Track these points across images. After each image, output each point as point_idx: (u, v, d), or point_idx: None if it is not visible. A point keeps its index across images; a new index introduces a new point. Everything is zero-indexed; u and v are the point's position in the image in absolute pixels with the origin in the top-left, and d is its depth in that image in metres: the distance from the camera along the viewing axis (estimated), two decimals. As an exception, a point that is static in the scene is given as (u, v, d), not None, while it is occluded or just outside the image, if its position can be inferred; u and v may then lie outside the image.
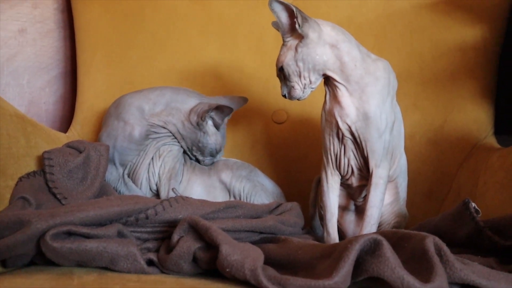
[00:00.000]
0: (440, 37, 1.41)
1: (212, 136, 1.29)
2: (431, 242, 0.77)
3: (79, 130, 1.51)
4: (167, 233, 0.90)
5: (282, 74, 1.10)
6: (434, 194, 1.38)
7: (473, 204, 0.92)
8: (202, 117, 1.26)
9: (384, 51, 1.44)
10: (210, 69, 1.52)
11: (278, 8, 1.05)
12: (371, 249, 0.76)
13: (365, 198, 1.13)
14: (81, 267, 0.84)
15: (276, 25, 1.11)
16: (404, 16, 1.44)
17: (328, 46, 1.06)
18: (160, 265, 0.85)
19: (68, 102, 1.65)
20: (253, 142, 1.49)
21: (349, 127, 1.08)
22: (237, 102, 1.35)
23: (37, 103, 1.56)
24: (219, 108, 1.27)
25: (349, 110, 1.07)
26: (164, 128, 1.28)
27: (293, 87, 1.09)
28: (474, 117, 1.39)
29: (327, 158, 1.13)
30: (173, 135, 1.30)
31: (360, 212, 1.19)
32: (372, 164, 1.09)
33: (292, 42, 1.07)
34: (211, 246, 0.81)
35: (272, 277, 0.74)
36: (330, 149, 1.12)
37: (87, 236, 0.83)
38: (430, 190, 1.39)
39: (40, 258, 0.84)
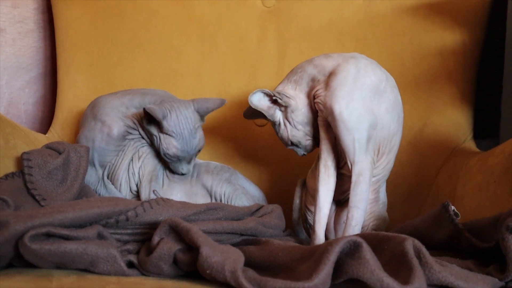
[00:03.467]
0: (420, 41, 1.42)
1: (162, 139, 1.24)
2: (410, 244, 0.78)
3: (59, 131, 1.50)
4: (148, 235, 0.90)
5: (294, 144, 1.21)
6: (413, 196, 1.40)
7: (452, 207, 0.93)
8: (143, 121, 1.24)
9: (365, 55, 1.44)
10: (191, 70, 1.52)
11: (259, 96, 1.18)
12: (351, 251, 0.76)
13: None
14: (60, 269, 0.83)
15: (248, 113, 1.26)
16: (384, 20, 1.45)
17: (302, 95, 1.17)
18: (140, 267, 0.84)
19: (48, 103, 1.64)
20: (234, 145, 1.49)
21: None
22: (212, 103, 1.28)
23: (17, 104, 1.55)
24: (146, 114, 1.21)
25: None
26: (136, 129, 1.27)
27: (307, 143, 1.20)
28: (454, 121, 1.41)
29: (321, 149, 1.15)
30: (142, 137, 1.28)
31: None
32: (349, 159, 1.10)
33: (279, 117, 1.20)
34: (191, 248, 0.81)
35: (252, 279, 0.74)
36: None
37: (67, 238, 0.82)
38: (410, 193, 1.40)
39: (18, 260, 0.83)
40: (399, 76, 1.41)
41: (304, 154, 1.23)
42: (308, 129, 1.18)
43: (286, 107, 1.17)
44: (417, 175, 1.40)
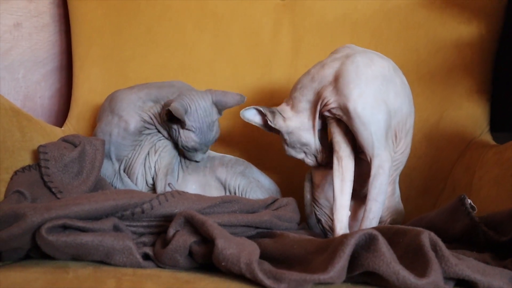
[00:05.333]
0: (436, 34, 1.41)
1: (182, 133, 1.25)
2: (427, 237, 0.77)
3: (74, 125, 1.51)
4: (163, 227, 0.90)
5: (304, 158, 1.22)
6: (429, 190, 1.39)
7: (469, 200, 0.92)
8: (162, 116, 1.24)
9: (380, 48, 1.43)
10: (204, 64, 1.52)
11: (253, 112, 1.20)
12: (367, 244, 0.76)
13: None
14: (77, 260, 0.84)
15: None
16: (399, 12, 1.44)
17: (302, 113, 1.16)
18: (155, 259, 0.85)
19: (63, 97, 1.65)
20: (248, 138, 1.49)
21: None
22: (231, 98, 1.27)
23: (33, 97, 1.56)
24: (168, 111, 1.21)
25: None
26: (152, 124, 1.27)
27: (308, 160, 1.20)
28: (470, 114, 1.39)
29: (333, 143, 1.15)
30: (159, 131, 1.29)
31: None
32: (368, 153, 1.09)
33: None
34: (206, 240, 0.82)
35: (268, 271, 0.74)
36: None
37: (83, 230, 0.83)
38: (426, 186, 1.39)
39: (35, 252, 0.84)
40: (414, 69, 1.41)
41: (319, 164, 1.22)
42: (306, 148, 1.19)
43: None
44: (433, 168, 1.39)
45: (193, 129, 1.23)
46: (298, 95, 1.16)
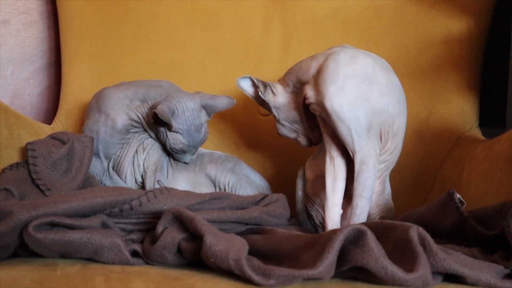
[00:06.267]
0: (425, 29, 1.42)
1: (169, 135, 1.24)
2: (415, 232, 0.77)
3: (63, 122, 1.50)
4: (152, 224, 0.90)
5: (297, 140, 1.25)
6: (419, 185, 1.39)
7: (458, 195, 0.93)
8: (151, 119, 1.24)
9: (370, 44, 1.44)
10: (195, 60, 1.52)
11: (248, 83, 1.23)
12: (355, 239, 0.76)
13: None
14: (65, 258, 0.84)
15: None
16: (390, 8, 1.44)
17: (289, 95, 1.20)
18: (144, 256, 0.84)
19: (52, 94, 1.64)
20: (238, 134, 1.49)
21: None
22: (220, 102, 1.27)
23: (21, 95, 1.55)
24: (155, 114, 1.20)
25: None
26: (140, 123, 1.27)
27: (299, 139, 1.24)
28: (459, 109, 1.40)
29: (324, 142, 1.16)
30: (146, 131, 1.28)
31: None
32: (349, 149, 1.10)
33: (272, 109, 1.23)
34: (195, 236, 0.81)
35: (256, 267, 0.74)
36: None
37: (71, 227, 0.83)
38: (415, 182, 1.39)
39: (23, 250, 0.83)
40: (404, 65, 1.41)
41: (309, 145, 1.24)
42: (296, 126, 1.21)
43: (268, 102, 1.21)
44: (423, 163, 1.40)
45: (181, 131, 1.23)
46: (287, 79, 1.19)
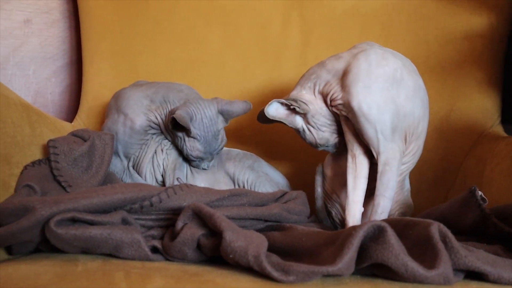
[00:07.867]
0: (446, 25, 1.40)
1: (187, 141, 1.24)
2: (436, 228, 0.77)
3: (84, 120, 1.51)
4: (172, 220, 0.90)
5: (323, 146, 1.20)
6: (440, 182, 1.38)
7: (480, 192, 0.91)
8: (169, 124, 1.24)
9: (390, 40, 1.43)
10: (214, 58, 1.52)
11: (276, 106, 1.17)
12: (375, 235, 0.76)
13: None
14: (86, 254, 0.85)
15: (263, 118, 1.21)
16: (409, 4, 1.43)
17: (319, 100, 1.16)
18: (164, 252, 0.85)
19: (74, 92, 1.65)
20: (257, 132, 1.49)
21: None
22: (236, 107, 1.26)
23: (43, 93, 1.56)
24: (173, 119, 1.20)
25: None
26: (158, 125, 1.27)
27: (336, 141, 1.18)
28: (481, 106, 1.38)
29: (346, 141, 1.15)
30: (163, 133, 1.28)
31: None
32: (374, 150, 1.09)
33: (301, 123, 1.19)
34: (215, 233, 0.81)
35: (276, 263, 0.74)
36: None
37: (92, 223, 0.83)
38: (436, 179, 1.38)
39: (44, 245, 0.85)
40: (424, 61, 1.40)
41: (335, 151, 1.22)
42: (333, 128, 1.17)
43: (305, 114, 1.16)
44: (444, 161, 1.38)
45: (198, 138, 1.23)
46: (312, 84, 1.16)
